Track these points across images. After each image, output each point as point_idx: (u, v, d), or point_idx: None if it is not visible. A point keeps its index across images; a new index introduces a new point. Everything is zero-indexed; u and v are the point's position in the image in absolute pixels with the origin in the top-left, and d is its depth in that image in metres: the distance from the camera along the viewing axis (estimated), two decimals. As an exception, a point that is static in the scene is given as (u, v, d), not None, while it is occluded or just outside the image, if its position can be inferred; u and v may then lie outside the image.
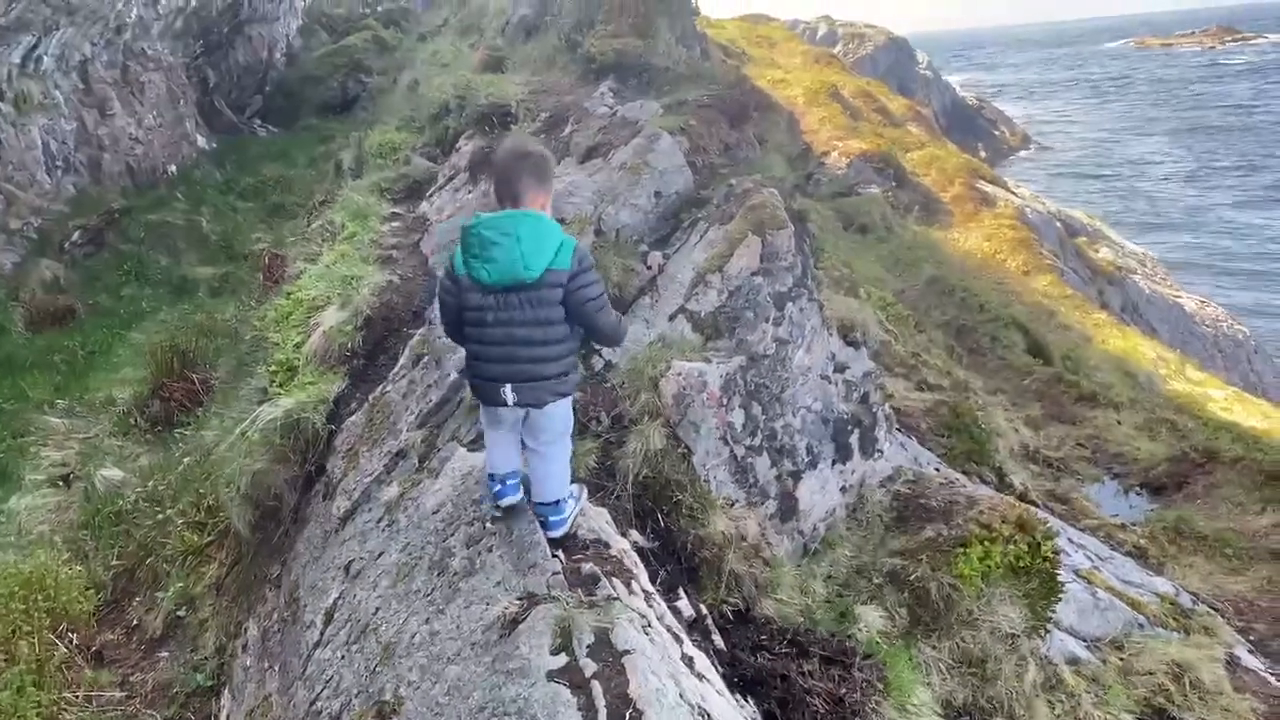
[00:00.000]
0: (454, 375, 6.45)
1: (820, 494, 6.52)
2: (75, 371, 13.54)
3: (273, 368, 7.94)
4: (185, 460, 9.62)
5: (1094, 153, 39.07)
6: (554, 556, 4.76)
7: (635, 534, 5.84)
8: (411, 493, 5.94)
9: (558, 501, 4.75)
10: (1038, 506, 9.17)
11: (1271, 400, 18.26)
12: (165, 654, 7.75)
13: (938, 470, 7.72)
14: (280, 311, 8.59)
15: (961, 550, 6.22)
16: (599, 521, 5.36)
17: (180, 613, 8.02)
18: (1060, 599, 6.44)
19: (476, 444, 5.98)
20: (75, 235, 16.38)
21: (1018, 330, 13.91)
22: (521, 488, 4.89)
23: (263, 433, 7.26)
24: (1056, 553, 6.41)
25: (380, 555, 5.70)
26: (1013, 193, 20.46)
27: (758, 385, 6.30)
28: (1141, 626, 7.75)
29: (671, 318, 6.40)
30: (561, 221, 7.03)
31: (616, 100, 8.57)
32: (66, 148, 17.98)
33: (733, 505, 6.06)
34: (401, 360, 7.33)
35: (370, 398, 7.13)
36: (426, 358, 6.87)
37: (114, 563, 8.82)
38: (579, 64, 9.41)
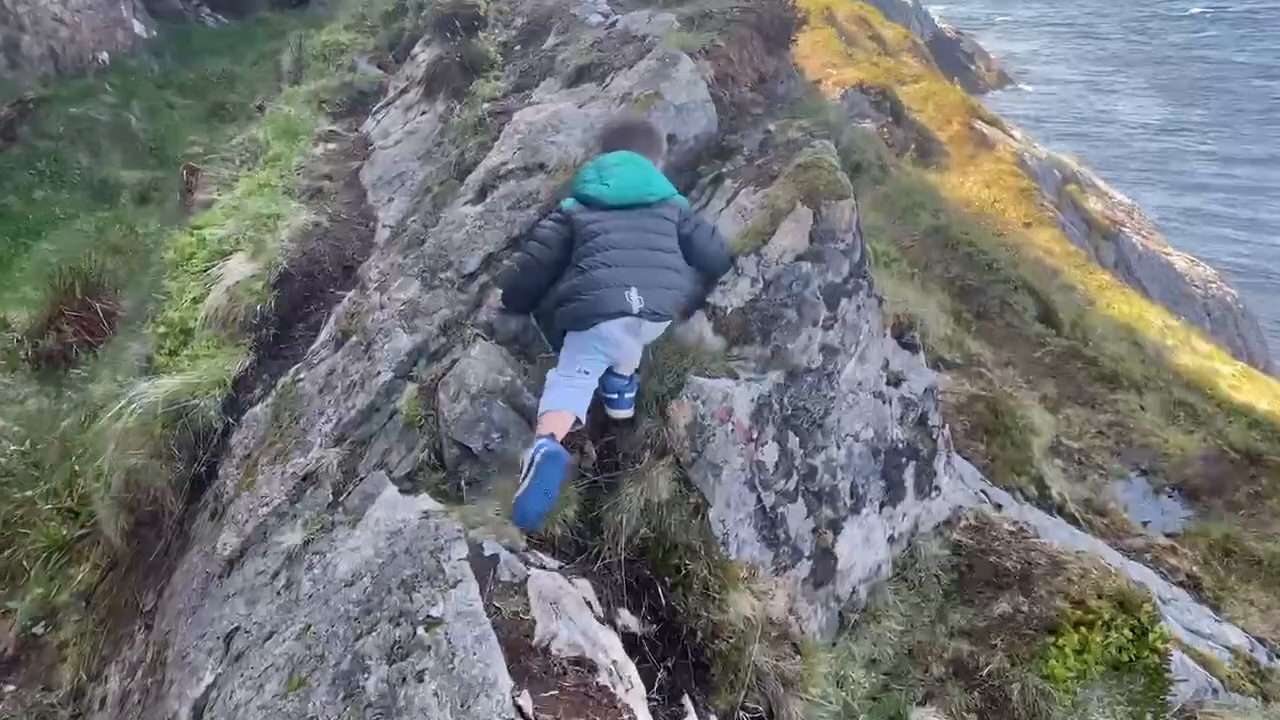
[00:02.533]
0: (386, 375, 4.58)
1: (864, 547, 4.80)
2: (-34, 288, 11.40)
3: (161, 328, 6.00)
4: (63, 424, 7.69)
5: (1073, 96, 37.12)
6: (515, 701, 3.05)
7: (628, 616, 4.12)
8: (320, 543, 4.13)
9: (631, 376, 4.30)
10: (1078, 524, 7.57)
11: (1273, 375, 16.88)
12: (11, 687, 5.94)
13: (999, 509, 6.02)
14: (180, 251, 6.60)
15: (1052, 640, 4.54)
16: (578, 615, 3.62)
17: (38, 629, 6.19)
18: (1170, 700, 4.80)
19: (410, 481, 4.17)
20: (-19, 126, 14.03)
21: (1028, 294, 12.19)
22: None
23: (140, 419, 5.38)
24: (1166, 640, 4.76)
25: (271, 635, 3.91)
26: (1010, 135, 18.61)
27: (796, 409, 4.51)
28: (1215, 692, 6.18)
29: (687, 312, 4.55)
30: (541, 167, 5.11)
31: (614, 6, 6.57)
32: (-21, 25, 15.51)
33: (757, 572, 4.33)
34: (323, 334, 5.44)
35: (280, 384, 5.24)
36: (356, 339, 4.98)
37: (-29, 541, 6.97)
38: (565, -44, 7.37)
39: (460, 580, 3.52)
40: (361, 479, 4.36)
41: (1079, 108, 36.13)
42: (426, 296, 4.86)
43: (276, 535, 4.35)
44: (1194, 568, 7.59)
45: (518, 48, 6.52)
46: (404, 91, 7.65)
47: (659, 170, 4.42)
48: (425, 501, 4.00)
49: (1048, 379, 10.93)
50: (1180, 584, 7.43)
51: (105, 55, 17.71)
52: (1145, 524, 8.92)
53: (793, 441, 4.47)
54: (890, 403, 4.98)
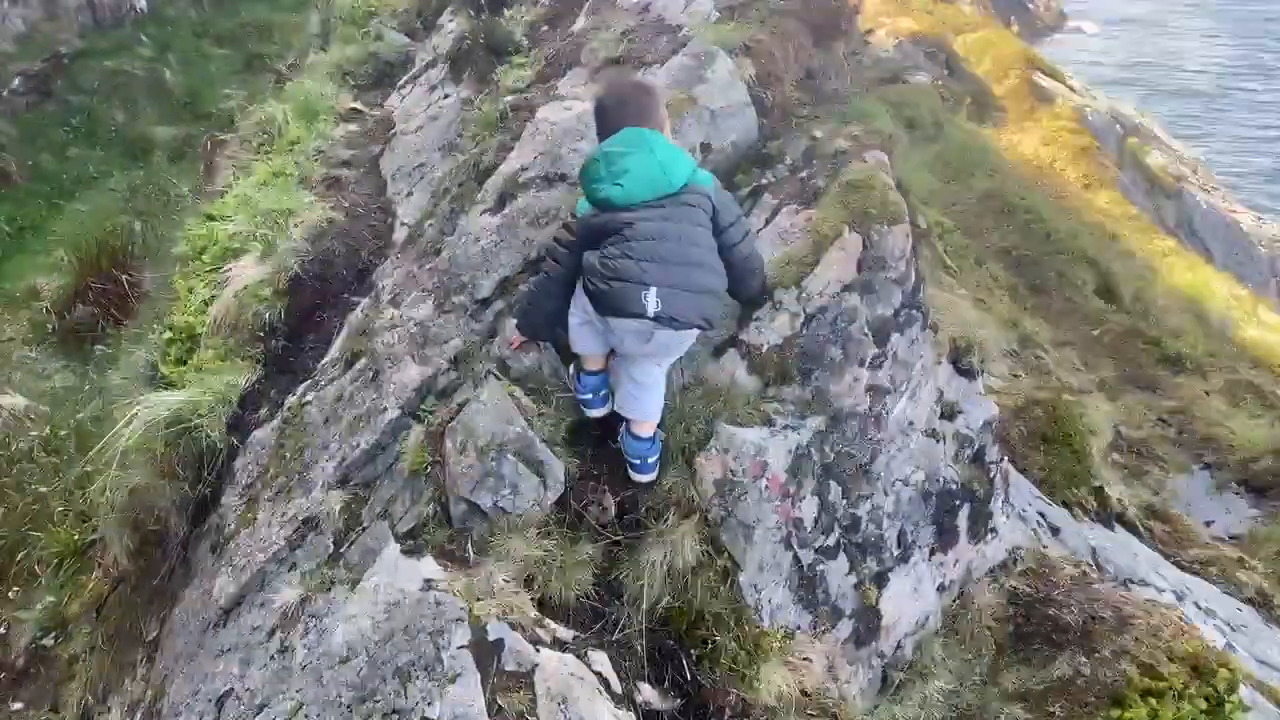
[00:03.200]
0: (393, 412, 4.18)
1: (911, 599, 4.36)
2: (-1, 251, 11.18)
3: (167, 334, 5.64)
4: (78, 415, 7.42)
5: (1136, 37, 35.42)
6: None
7: (649, 691, 3.73)
8: (317, 602, 3.77)
9: (653, 437, 3.84)
10: (1138, 533, 7.06)
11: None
12: (19, 705, 5.72)
13: (1057, 534, 5.55)
14: (192, 243, 6.23)
15: (1117, 715, 4.10)
16: (590, 709, 3.24)
17: (48, 641, 5.96)
18: (1243, 778, 4.35)
19: (413, 540, 3.79)
20: (15, 82, 13.69)
21: (1088, 266, 11.52)
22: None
23: (144, 437, 5.04)
24: (1246, 710, 4.30)
25: (262, 709, 3.57)
26: (1070, 86, 17.65)
27: (839, 455, 4.05)
28: (1290, 735, 5.71)
29: (717, 350, 4.09)
30: (562, 178, 4.63)
31: (649, -16, 6.00)
32: (15, -26, 15.17)
33: (792, 639, 3.91)
34: (333, 350, 5.04)
35: (287, 404, 4.87)
36: (365, 362, 4.58)
37: (-10, 534, 6.77)
38: (600, -74, 6.76)
39: (460, 674, 3.15)
40: (364, 528, 3.99)
41: (1143, 50, 34.44)
42: (438, 321, 4.43)
43: (274, 586, 4.01)
44: (1264, 582, 7.06)
45: (545, 28, 5.99)
46: (430, 65, 7.15)
47: (669, 139, 3.76)
48: (428, 566, 3.62)
49: (1106, 360, 10.33)
50: (1249, 600, 6.92)
51: (143, 3, 17.33)
52: (1209, 524, 8.39)
53: (834, 492, 4.03)
54: (944, 440, 4.50)
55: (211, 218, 6.38)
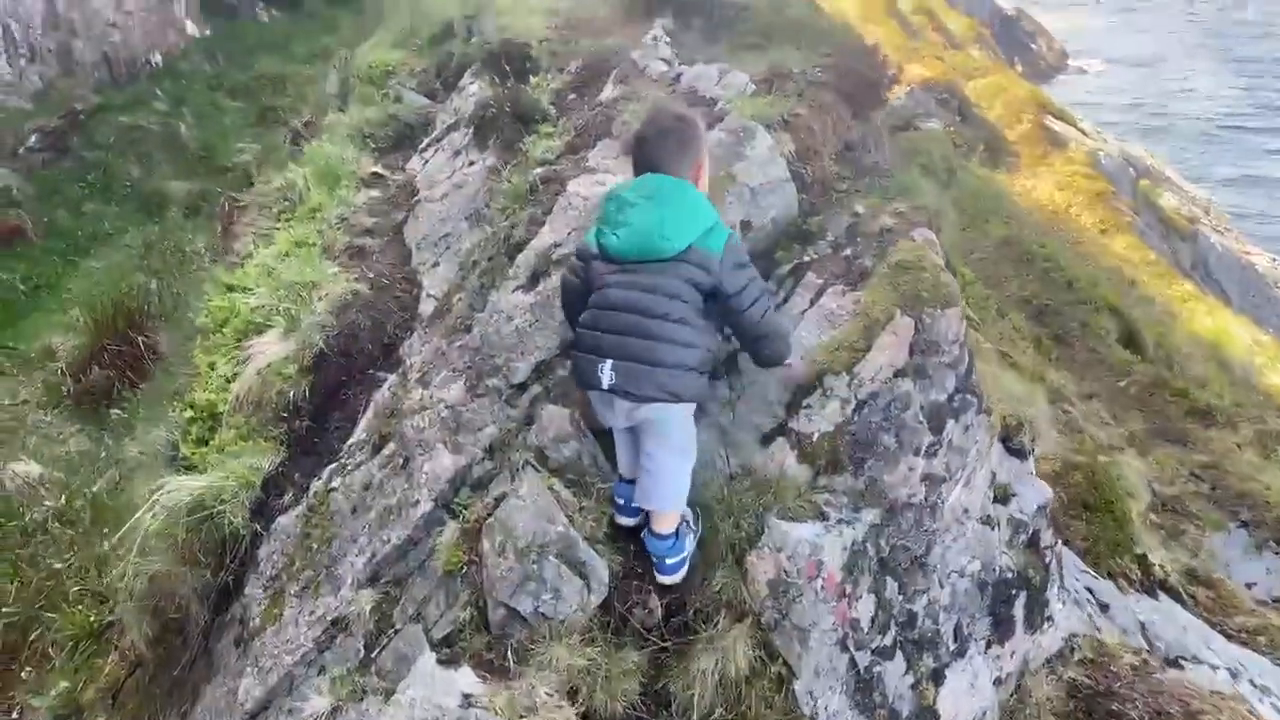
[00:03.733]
0: (426, 504, 3.97)
1: (968, 695, 4.12)
2: (13, 311, 11.03)
3: (188, 412, 5.45)
4: (94, 487, 7.21)
5: (1137, 77, 35.41)
6: None
7: (700, 807, 3.48)
8: (349, 713, 3.54)
9: (675, 534, 3.68)
10: (1182, 600, 6.81)
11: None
12: (30, 806, 5.48)
13: (1106, 610, 5.31)
14: (213, 315, 6.06)
15: (1192, 824, 3.85)
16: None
17: (61, 731, 5.72)
18: None
19: (449, 648, 3.57)
20: (32, 139, 13.63)
21: (1110, 315, 11.32)
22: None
23: (164, 523, 4.84)
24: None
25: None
26: (1081, 129, 17.54)
27: (895, 549, 3.83)
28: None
29: (765, 438, 3.89)
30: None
31: (675, 50, 5.86)
32: (32, 32, 15.15)
33: (849, 746, 3.68)
34: (360, 430, 4.85)
35: (313, 489, 4.66)
36: (394, 447, 4.38)
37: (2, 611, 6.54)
38: (625, -9, 6.66)
39: (505, 803, 2.92)
40: (397, 631, 3.77)
41: (1146, 90, 34.44)
42: (471, 406, 4.24)
43: (302, 692, 3.79)
44: (1313, 652, 6.79)
45: (572, 96, 5.84)
46: (451, 129, 7.01)
47: (694, 188, 3.55)
48: (466, 677, 3.40)
49: (1134, 412, 10.10)
50: (1298, 671, 6.65)
51: (158, 57, 17.35)
52: (1250, 586, 8.13)
53: (890, 588, 3.81)
54: (998, 526, 4.28)
55: (232, 288, 6.22)
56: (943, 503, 3.96)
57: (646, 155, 3.61)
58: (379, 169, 7.19)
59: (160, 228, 12.83)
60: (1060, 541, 4.67)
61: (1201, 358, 12.23)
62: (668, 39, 5.91)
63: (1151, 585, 6.65)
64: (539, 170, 5.16)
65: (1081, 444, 7.83)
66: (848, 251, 4.21)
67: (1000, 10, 34.72)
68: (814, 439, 3.81)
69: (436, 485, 4.00)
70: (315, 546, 4.31)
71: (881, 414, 3.82)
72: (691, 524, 3.79)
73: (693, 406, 3.56)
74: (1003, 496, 4.40)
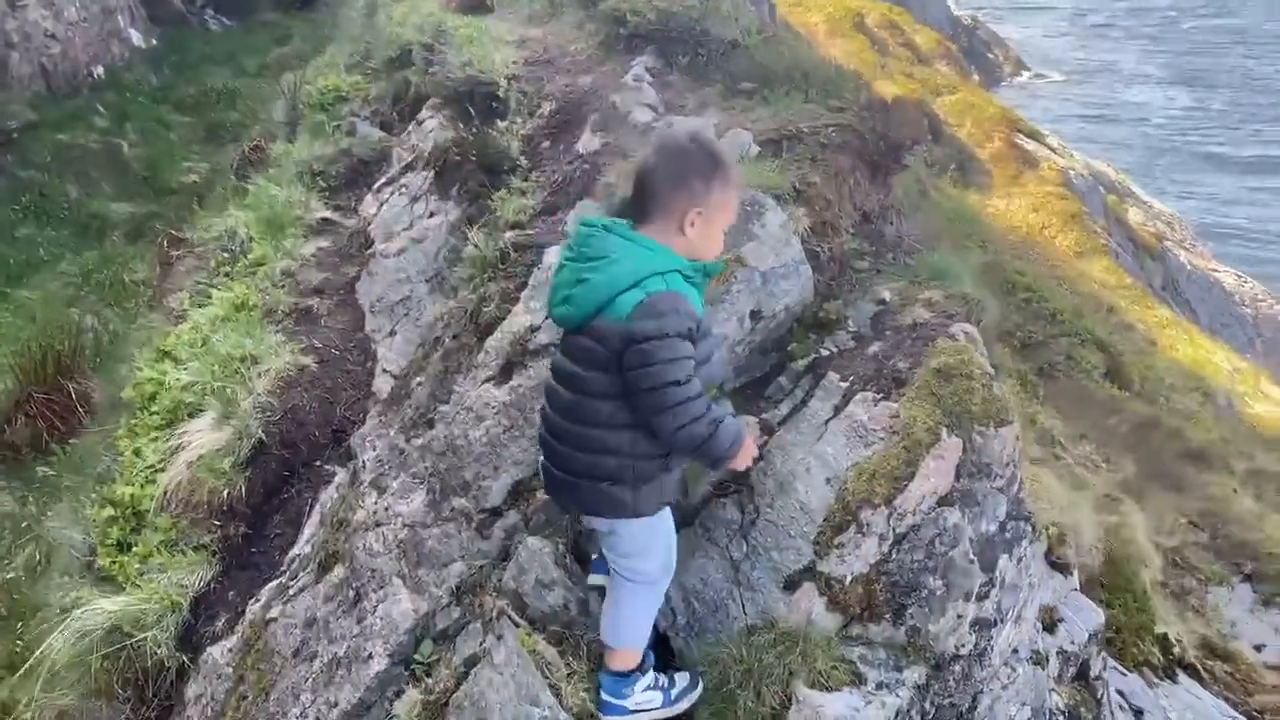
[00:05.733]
0: (380, 660, 3.26)
1: None
2: (-64, 350, 10.07)
3: (108, 510, 4.69)
4: (12, 568, 6.40)
5: (1094, 86, 35.25)
6: None
7: None
8: None
9: (627, 674, 2.97)
10: (1201, 679, 6.28)
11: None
12: None
13: (1140, 717, 4.72)
14: (142, 389, 5.30)
15: None
16: None
17: None
18: None
19: None
20: (-39, 159, 12.66)
21: (1095, 347, 10.82)
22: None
23: (77, 650, 4.10)
24: None
25: None
26: (1050, 146, 17.09)
27: (940, 708, 3.19)
28: None
29: (790, 583, 3.21)
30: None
31: (660, 90, 5.17)
32: (-36, 44, 14.17)
33: None
34: (304, 540, 4.13)
35: (249, 614, 3.94)
36: (342, 572, 3.66)
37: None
38: (600, 23, 5.93)
39: None
40: (347, 824, 3.07)
41: (1101, 101, 34.29)
42: (435, 531, 3.54)
43: None
44: (1339, 733, 6.28)
45: (545, 144, 5.14)
46: (409, 168, 6.29)
47: (632, 237, 2.66)
48: None
49: (1127, 454, 9.56)
50: (1325, 756, 6.14)
51: (100, 70, 16.36)
52: (1259, 649, 7.61)
53: (935, 756, 3.16)
54: (1047, 661, 3.66)
55: (165, 354, 5.46)
56: (992, 648, 3.33)
57: (636, 175, 2.79)
58: (329, 213, 6.45)
59: (99, 254, 11.92)
60: (1108, 662, 4.06)
61: (1185, 388, 11.77)
62: (650, 79, 5.22)
63: (1170, 665, 6.10)
64: (510, 234, 4.46)
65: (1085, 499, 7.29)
66: (875, 348, 3.56)
67: (958, 20, 34.44)
68: (847, 582, 3.15)
69: (393, 636, 3.29)
70: (250, 696, 3.58)
71: (925, 551, 3.17)
72: (661, 687, 3.06)
73: (640, 523, 2.80)
74: (1049, 624, 3.78)
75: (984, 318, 3.69)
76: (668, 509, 2.93)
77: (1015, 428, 3.28)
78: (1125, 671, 5.38)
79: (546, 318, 3.97)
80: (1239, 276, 18.31)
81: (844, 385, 3.50)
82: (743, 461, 2.77)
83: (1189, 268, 17.01)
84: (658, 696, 3.02)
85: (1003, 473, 3.28)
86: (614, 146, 4.55)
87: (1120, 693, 5.07)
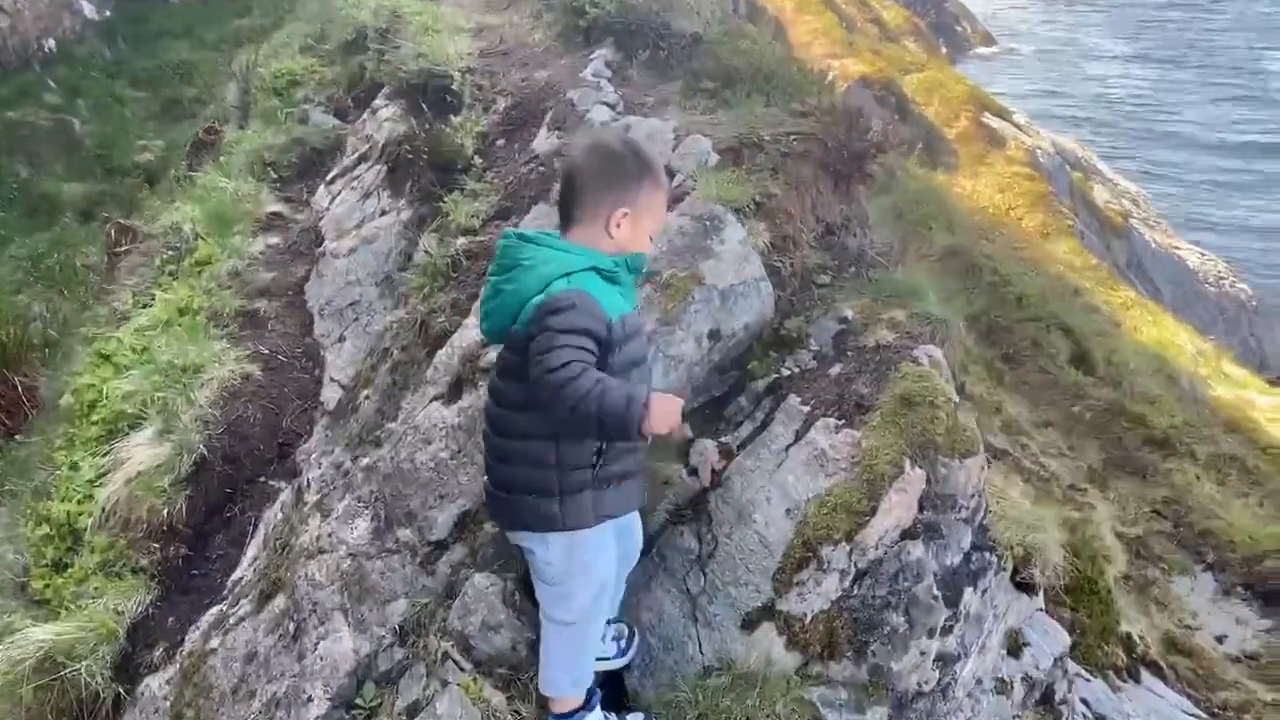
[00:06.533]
0: (320, 705, 3.09)
1: None
2: (-128, 337, 9.73)
3: (43, 528, 4.49)
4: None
5: (1061, 59, 35.14)
6: None
7: None
8: None
9: (571, 714, 2.83)
10: (1164, 676, 6.25)
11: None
12: None
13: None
14: (81, 396, 5.08)
15: None
16: None
17: None
18: None
19: None
20: (-96, 137, 12.25)
21: (1060, 332, 10.76)
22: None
23: (6, 679, 3.90)
24: None
25: None
26: (1017, 124, 16.98)
27: (902, 747, 3.08)
28: None
29: (748, 622, 3.07)
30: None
31: (619, 89, 4.96)
32: (-91, 17, 13.70)
33: None
34: (246, 563, 3.96)
35: (188, 643, 3.76)
36: (283, 603, 3.49)
37: None
38: (560, 13, 5.70)
39: None
40: None
41: (1067, 69, 34.19)
42: (378, 564, 3.37)
43: None
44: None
45: (500, 141, 4.93)
46: (363, 159, 6.06)
47: (544, 240, 2.62)
48: None
49: (1091, 441, 9.52)
50: (1286, 752, 6.13)
51: (51, 43, 15.87)
52: (1221, 640, 7.61)
53: (897, 798, 3.05)
54: (1011, 688, 3.55)
55: (106, 358, 5.23)
56: (956, 682, 3.21)
57: (564, 174, 2.78)
58: (280, 206, 6.21)
59: (50, 237, 11.58)
60: (1072, 685, 3.98)
61: (1149, 372, 11.75)
62: (609, 74, 5.01)
63: (1134, 664, 6.06)
64: (462, 240, 4.27)
65: (1046, 490, 7.23)
66: (837, 369, 3.41)
67: (925, -9, 34.18)
68: (807, 620, 3.02)
69: (334, 678, 3.13)
70: (187, 732, 3.42)
71: (887, 587, 3.04)
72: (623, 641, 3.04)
73: (569, 540, 2.66)
74: (1014, 648, 3.67)
75: (950, 335, 3.54)
76: (609, 534, 2.76)
77: (980, 458, 3.15)
78: (1089, 677, 5.30)
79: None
80: (1202, 254, 18.37)
81: (805, 409, 3.35)
82: (661, 423, 2.37)
83: (1153, 246, 17.02)
84: None
85: (967, 504, 3.15)
86: (570, 147, 4.35)
87: (1084, 701, 5.00)
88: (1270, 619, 7.79)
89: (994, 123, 16.01)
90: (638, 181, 2.68)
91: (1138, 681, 5.92)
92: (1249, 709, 6.29)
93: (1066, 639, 3.85)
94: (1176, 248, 18.12)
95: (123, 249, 7.43)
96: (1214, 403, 11.80)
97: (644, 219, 2.72)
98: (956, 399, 3.24)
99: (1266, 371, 16.42)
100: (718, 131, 4.02)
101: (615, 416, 2.31)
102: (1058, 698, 3.78)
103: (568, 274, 2.52)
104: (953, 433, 3.13)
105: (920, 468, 3.06)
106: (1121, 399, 10.06)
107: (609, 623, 3.02)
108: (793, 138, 3.85)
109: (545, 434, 2.56)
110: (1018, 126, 16.79)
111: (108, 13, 17.85)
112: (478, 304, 3.68)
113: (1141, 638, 6.37)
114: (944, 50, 28.49)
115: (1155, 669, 6.31)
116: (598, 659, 2.92)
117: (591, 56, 5.16)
